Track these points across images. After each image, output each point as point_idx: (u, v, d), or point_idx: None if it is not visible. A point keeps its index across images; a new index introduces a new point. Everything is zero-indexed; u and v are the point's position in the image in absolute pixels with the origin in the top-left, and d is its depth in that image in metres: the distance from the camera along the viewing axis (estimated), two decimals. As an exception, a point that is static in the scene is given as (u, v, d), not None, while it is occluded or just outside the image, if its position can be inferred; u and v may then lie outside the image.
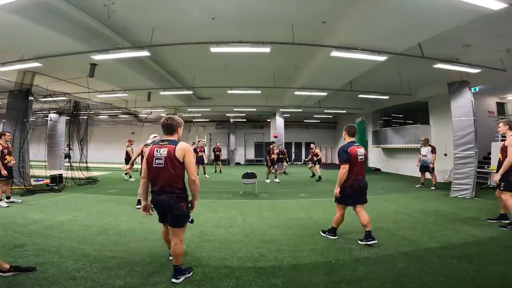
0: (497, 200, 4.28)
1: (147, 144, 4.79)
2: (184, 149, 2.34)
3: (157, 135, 4.82)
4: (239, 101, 12.71)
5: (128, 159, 9.60)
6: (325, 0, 4.70)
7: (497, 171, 4.04)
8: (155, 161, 2.34)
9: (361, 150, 3.42)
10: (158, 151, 2.35)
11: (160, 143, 2.40)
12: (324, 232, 3.74)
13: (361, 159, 3.38)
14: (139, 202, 5.06)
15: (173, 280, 2.40)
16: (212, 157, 13.82)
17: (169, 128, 2.44)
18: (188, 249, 3.18)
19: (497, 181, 4.01)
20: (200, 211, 5.07)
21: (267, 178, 9.53)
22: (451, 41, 5.76)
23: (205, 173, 10.82)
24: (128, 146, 9.65)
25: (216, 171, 12.65)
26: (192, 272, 2.57)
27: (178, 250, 2.40)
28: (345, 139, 3.52)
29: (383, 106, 13.06)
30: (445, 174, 9.06)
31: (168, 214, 2.37)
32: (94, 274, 2.50)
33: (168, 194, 2.31)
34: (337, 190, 3.40)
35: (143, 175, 2.48)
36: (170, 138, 2.43)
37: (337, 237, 3.61)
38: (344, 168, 3.30)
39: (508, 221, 4.05)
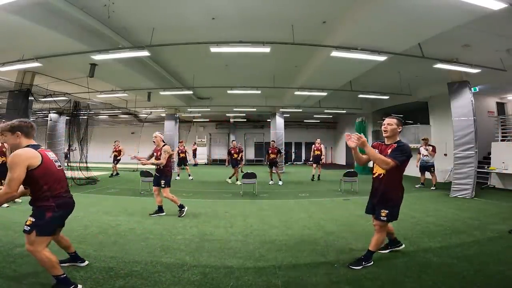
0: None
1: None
2: None
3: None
4: (239, 101, 12.69)
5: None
6: (325, 0, 4.71)
7: None
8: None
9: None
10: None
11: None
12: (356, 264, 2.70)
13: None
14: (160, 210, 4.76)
15: None
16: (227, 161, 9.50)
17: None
18: (188, 249, 3.18)
19: None
20: (200, 211, 5.09)
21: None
22: (451, 41, 5.75)
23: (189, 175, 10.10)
24: None
25: (237, 179, 8.97)
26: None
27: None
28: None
29: (383, 106, 13.04)
30: (445, 174, 9.06)
31: None
32: (94, 274, 2.49)
33: None
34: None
35: None
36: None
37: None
38: None
39: None
